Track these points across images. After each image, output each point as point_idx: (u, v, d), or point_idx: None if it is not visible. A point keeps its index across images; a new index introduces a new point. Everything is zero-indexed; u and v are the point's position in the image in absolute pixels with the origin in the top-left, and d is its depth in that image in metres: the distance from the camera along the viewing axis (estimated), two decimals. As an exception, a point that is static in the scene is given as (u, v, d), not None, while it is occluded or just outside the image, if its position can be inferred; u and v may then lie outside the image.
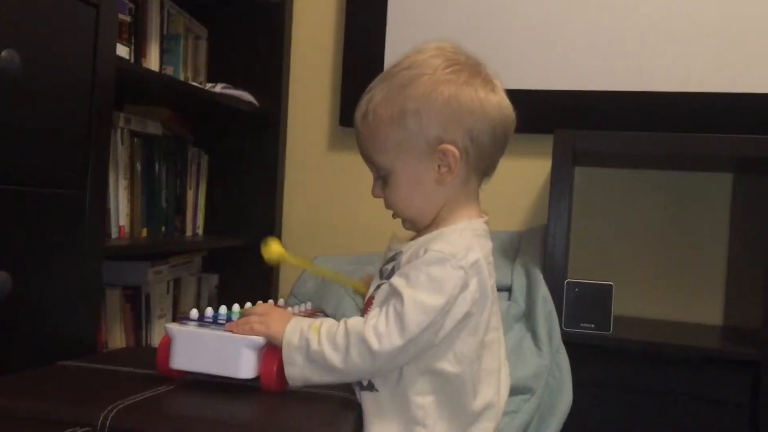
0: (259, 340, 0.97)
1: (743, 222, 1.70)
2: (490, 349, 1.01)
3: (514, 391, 1.38)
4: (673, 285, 1.84)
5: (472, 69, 1.00)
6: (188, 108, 1.87)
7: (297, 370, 0.95)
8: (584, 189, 1.88)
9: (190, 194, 1.90)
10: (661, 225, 1.86)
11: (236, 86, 1.90)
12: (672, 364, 1.55)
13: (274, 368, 0.97)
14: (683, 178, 1.84)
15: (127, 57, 1.55)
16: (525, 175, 1.91)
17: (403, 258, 0.99)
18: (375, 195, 1.05)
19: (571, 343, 1.48)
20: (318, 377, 0.95)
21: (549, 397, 1.42)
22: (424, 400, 0.95)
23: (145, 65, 1.66)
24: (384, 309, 0.93)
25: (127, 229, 1.61)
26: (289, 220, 2.06)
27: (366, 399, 0.98)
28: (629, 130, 1.65)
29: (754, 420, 1.46)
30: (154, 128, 1.71)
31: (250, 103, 1.93)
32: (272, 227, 2.00)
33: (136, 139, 1.65)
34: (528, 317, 1.52)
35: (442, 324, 0.92)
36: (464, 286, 0.93)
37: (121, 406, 0.88)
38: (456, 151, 0.98)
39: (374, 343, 0.90)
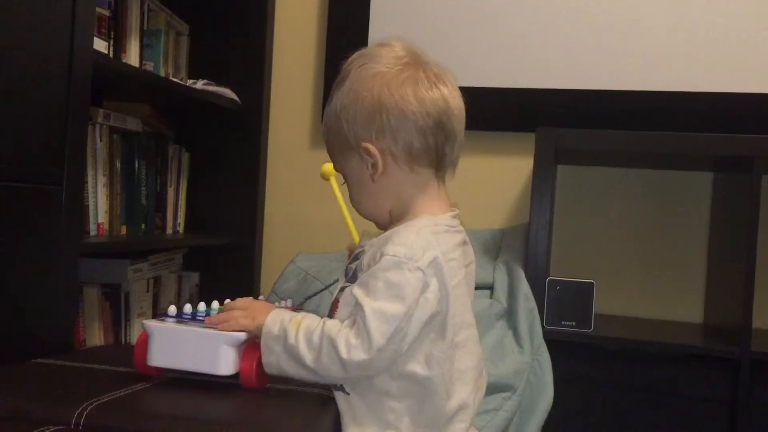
0: (239, 336, 0.96)
1: (723, 221, 1.71)
2: (464, 348, 1.00)
3: (495, 388, 1.38)
4: (654, 283, 1.84)
5: (400, 67, 1.00)
6: (169, 104, 1.85)
7: (273, 359, 0.95)
8: (566, 187, 1.88)
9: (170, 192, 1.88)
10: (642, 223, 1.86)
11: (218, 83, 1.88)
12: (652, 362, 1.56)
13: (254, 365, 0.96)
14: (664, 177, 1.85)
15: (105, 52, 1.53)
16: (507, 173, 1.91)
17: (364, 260, 0.98)
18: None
19: (552, 341, 1.48)
20: (293, 370, 0.94)
21: (530, 395, 1.42)
22: (395, 404, 0.94)
23: (124, 61, 1.64)
24: (354, 320, 0.92)
25: (105, 227, 1.59)
26: (271, 218, 2.05)
27: (339, 400, 0.98)
28: (611, 129, 1.66)
29: (733, 417, 1.47)
30: (134, 125, 1.69)
31: (231, 100, 1.91)
32: (254, 225, 1.98)
33: (115, 136, 1.63)
34: (509, 315, 1.52)
35: (407, 330, 0.91)
36: (425, 287, 0.92)
37: (96, 404, 0.86)
38: (373, 148, 0.99)
39: (344, 353, 0.90)
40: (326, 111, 1.04)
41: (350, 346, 0.90)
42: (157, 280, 1.81)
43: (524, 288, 1.52)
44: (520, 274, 1.55)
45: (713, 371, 1.52)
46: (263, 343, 0.95)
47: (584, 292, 1.55)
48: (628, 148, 1.57)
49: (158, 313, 1.06)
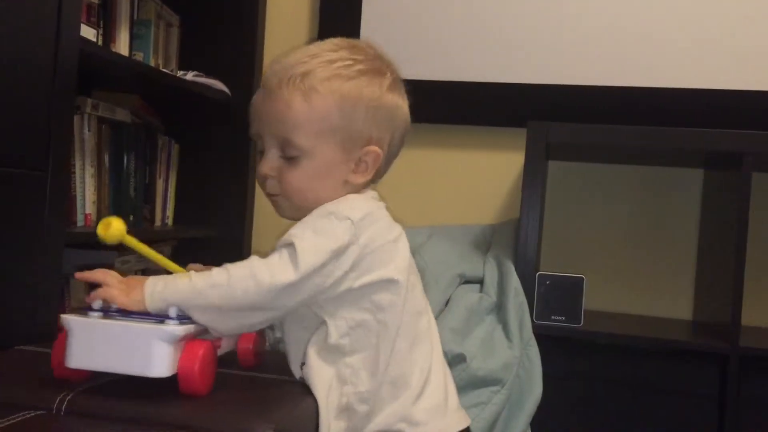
0: (177, 330, 0.84)
1: (713, 218, 1.71)
2: (413, 292, 0.99)
3: (485, 382, 1.38)
4: (644, 280, 1.84)
5: (395, 76, 1.01)
6: (158, 95, 1.83)
7: (158, 293, 0.87)
8: (557, 183, 1.88)
9: (159, 183, 1.86)
10: (632, 220, 1.86)
11: (208, 75, 1.87)
12: (642, 357, 1.56)
13: (196, 366, 0.84)
14: (655, 173, 1.85)
15: (94, 40, 1.51)
16: (498, 168, 1.91)
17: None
18: (265, 172, 0.98)
19: (541, 336, 1.47)
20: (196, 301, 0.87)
21: (519, 389, 1.42)
22: (349, 359, 0.93)
23: (114, 50, 1.63)
24: (275, 253, 0.91)
25: (93, 217, 1.58)
26: (260, 211, 2.04)
27: (306, 376, 0.96)
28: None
29: (722, 412, 1.47)
30: (123, 115, 1.68)
31: (222, 91, 1.90)
32: (243, 217, 1.97)
33: (104, 126, 1.61)
34: (499, 309, 1.52)
35: (332, 270, 0.90)
36: (353, 238, 0.91)
37: (78, 390, 0.85)
38: (381, 154, 0.99)
39: (267, 278, 0.87)
40: (326, 86, 0.95)
41: (274, 271, 0.87)
42: (144, 272, 1.79)
43: (514, 282, 1.52)
44: (511, 269, 1.54)
45: (702, 367, 1.52)
46: (146, 287, 0.87)
47: (574, 287, 1.55)
48: (619, 142, 1.57)
49: (81, 306, 0.93)
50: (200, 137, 1.97)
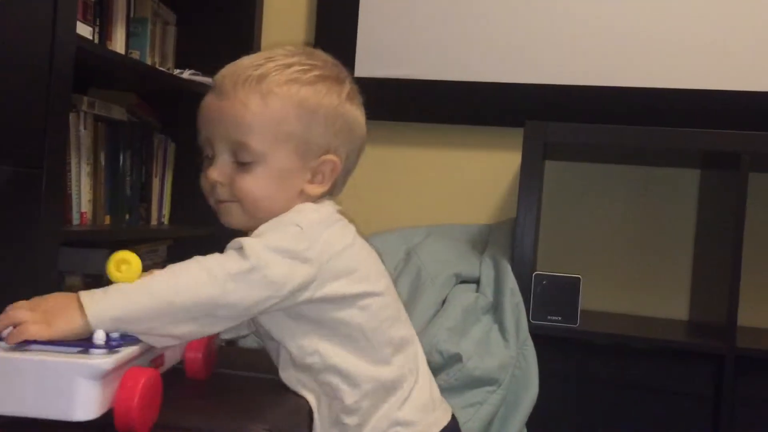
0: (105, 364, 0.70)
1: (710, 219, 1.71)
2: (384, 297, 0.95)
3: (480, 382, 1.38)
4: (641, 280, 1.85)
5: (353, 84, 0.99)
6: (155, 94, 1.83)
7: (99, 303, 0.76)
8: (554, 183, 1.88)
9: (155, 182, 1.86)
10: (629, 220, 1.86)
11: (205, 73, 1.86)
12: (638, 357, 1.56)
13: (135, 402, 0.71)
14: (652, 173, 1.85)
15: (90, 38, 1.51)
16: (495, 168, 1.91)
17: None
18: (215, 178, 0.93)
19: (538, 336, 1.48)
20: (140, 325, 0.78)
21: (515, 389, 1.42)
22: (324, 377, 0.91)
23: (110, 48, 1.62)
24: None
25: (89, 216, 1.57)
26: (258, 211, 2.03)
27: (305, 395, 0.94)
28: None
29: (717, 412, 1.47)
30: (119, 114, 1.67)
31: (218, 90, 1.89)
32: (240, 217, 1.97)
33: (99, 124, 1.61)
34: (496, 309, 1.52)
35: (287, 271, 0.83)
36: (306, 244, 0.86)
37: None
38: (339, 164, 0.95)
39: (215, 265, 0.80)
40: (286, 90, 0.91)
41: (222, 262, 0.81)
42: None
43: (510, 282, 1.52)
44: (507, 269, 1.54)
45: (698, 367, 1.52)
46: (84, 302, 0.75)
47: (571, 287, 1.55)
48: (617, 142, 1.58)
49: None
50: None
